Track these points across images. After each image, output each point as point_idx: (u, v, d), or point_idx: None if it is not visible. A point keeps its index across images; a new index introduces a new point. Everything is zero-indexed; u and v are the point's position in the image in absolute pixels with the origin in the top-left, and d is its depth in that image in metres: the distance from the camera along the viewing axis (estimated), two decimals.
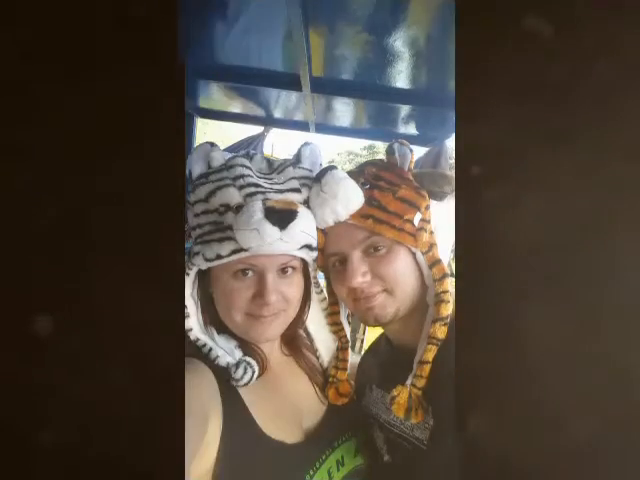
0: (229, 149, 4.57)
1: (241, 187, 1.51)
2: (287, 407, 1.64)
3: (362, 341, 5.78)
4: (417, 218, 1.53)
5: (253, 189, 1.51)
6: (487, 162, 0.97)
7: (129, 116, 0.97)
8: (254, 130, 4.77)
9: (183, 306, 1.52)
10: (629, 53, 0.93)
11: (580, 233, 0.94)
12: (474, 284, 0.98)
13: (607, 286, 0.94)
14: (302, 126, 4.34)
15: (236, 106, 4.17)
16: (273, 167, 1.68)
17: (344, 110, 3.84)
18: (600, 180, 0.93)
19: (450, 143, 3.69)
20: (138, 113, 0.97)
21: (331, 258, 1.62)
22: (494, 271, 0.97)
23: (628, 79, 0.93)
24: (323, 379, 1.84)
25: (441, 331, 1.51)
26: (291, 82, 3.17)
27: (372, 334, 3.01)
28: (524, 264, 0.96)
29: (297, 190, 1.59)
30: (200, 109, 4.27)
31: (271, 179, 1.61)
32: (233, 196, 1.50)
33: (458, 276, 1.02)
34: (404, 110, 3.62)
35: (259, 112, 4.20)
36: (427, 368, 1.50)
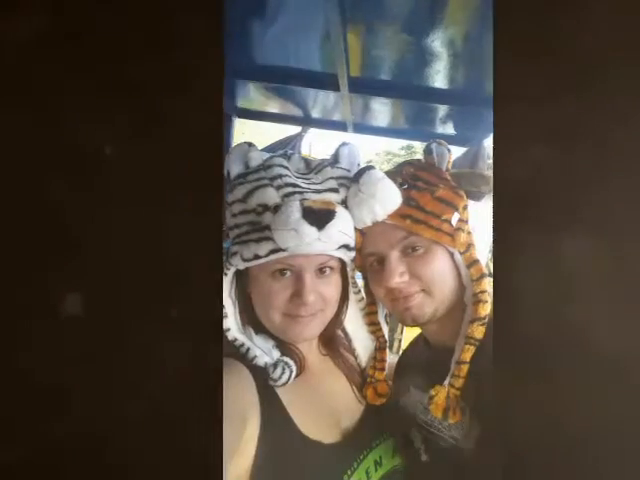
0: (267, 149, 4.58)
1: (279, 187, 1.51)
2: (325, 407, 1.64)
3: (400, 341, 5.75)
4: (455, 218, 1.52)
5: (291, 189, 1.51)
6: (524, 163, 0.96)
7: (168, 116, 0.98)
8: (292, 130, 4.78)
9: (221, 306, 1.53)
10: None
11: (630, 236, 0.93)
12: (511, 284, 0.98)
13: None
14: (340, 126, 4.34)
15: (274, 106, 4.18)
16: (311, 167, 1.67)
17: (382, 110, 3.84)
18: None
19: (488, 143, 3.66)
20: (178, 113, 0.98)
21: (369, 258, 1.61)
22: (531, 271, 0.96)
23: None
24: (361, 379, 1.83)
25: (479, 331, 1.51)
26: (329, 82, 3.18)
27: (410, 334, 3.00)
28: (565, 264, 0.95)
29: (335, 190, 1.58)
30: (238, 109, 4.28)
31: (309, 179, 1.60)
32: (271, 196, 1.50)
33: (495, 276, 1.01)
34: (442, 110, 3.62)
35: (297, 112, 4.20)
36: (465, 368, 1.49)
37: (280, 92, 3.77)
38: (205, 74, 0.98)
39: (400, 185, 1.55)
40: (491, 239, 1.42)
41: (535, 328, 0.97)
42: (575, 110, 0.95)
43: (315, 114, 4.24)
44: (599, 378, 0.94)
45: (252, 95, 3.91)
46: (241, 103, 4.17)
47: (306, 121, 4.50)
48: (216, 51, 0.99)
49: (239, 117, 4.42)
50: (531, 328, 0.97)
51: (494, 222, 1.03)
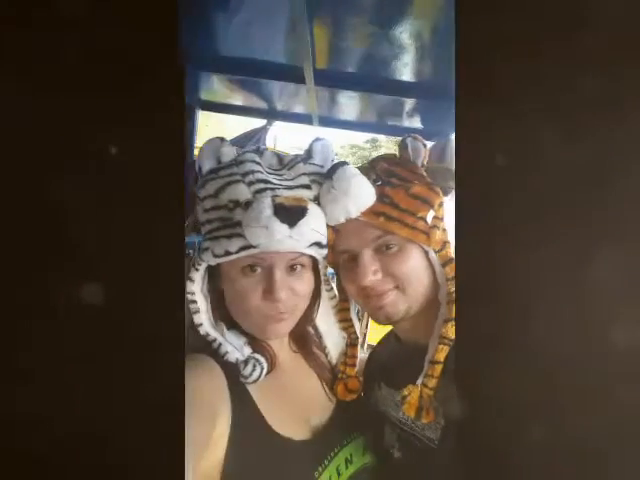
0: (232, 142, 4.57)
1: (250, 183, 1.50)
2: (296, 404, 1.63)
3: (365, 335, 5.78)
4: (430, 216, 1.51)
5: (262, 185, 1.50)
6: (488, 156, 0.95)
7: (128, 108, 0.96)
8: (256, 123, 4.77)
9: (183, 302, 1.51)
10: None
11: (590, 228, 0.93)
12: (475, 284, 0.97)
13: (616, 287, 0.92)
14: (305, 119, 4.33)
15: (238, 98, 4.16)
16: (283, 163, 1.66)
17: (348, 103, 3.83)
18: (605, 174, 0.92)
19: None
20: (138, 106, 0.96)
21: (341, 255, 1.60)
22: (496, 270, 0.96)
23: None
24: (331, 376, 1.83)
25: (453, 331, 1.49)
26: (294, 75, 3.16)
27: (376, 329, 2.99)
28: (528, 261, 0.95)
29: (307, 187, 1.57)
30: (202, 101, 4.26)
31: (281, 175, 1.59)
32: (242, 192, 1.48)
33: (458, 275, 1.01)
34: (409, 103, 3.62)
35: (262, 105, 4.19)
36: (438, 368, 1.49)
37: (244, 84, 3.75)
38: (164, 66, 0.96)
39: (374, 181, 1.54)
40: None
41: (499, 327, 0.96)
42: (542, 103, 0.94)
43: (280, 107, 4.23)
44: (565, 375, 0.93)
45: (216, 87, 3.88)
46: (205, 95, 4.14)
47: (271, 114, 4.50)
48: (173, 41, 0.97)
49: (203, 109, 4.39)
50: (495, 328, 0.96)
51: (456, 219, 1.01)
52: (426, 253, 1.54)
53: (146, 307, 0.95)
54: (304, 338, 1.82)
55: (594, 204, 0.92)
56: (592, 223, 0.92)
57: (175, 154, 0.97)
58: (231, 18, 2.63)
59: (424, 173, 1.60)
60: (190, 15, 2.48)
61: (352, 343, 1.83)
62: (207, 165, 1.58)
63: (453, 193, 1.56)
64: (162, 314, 0.96)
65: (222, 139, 1.60)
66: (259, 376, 1.51)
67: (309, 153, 1.69)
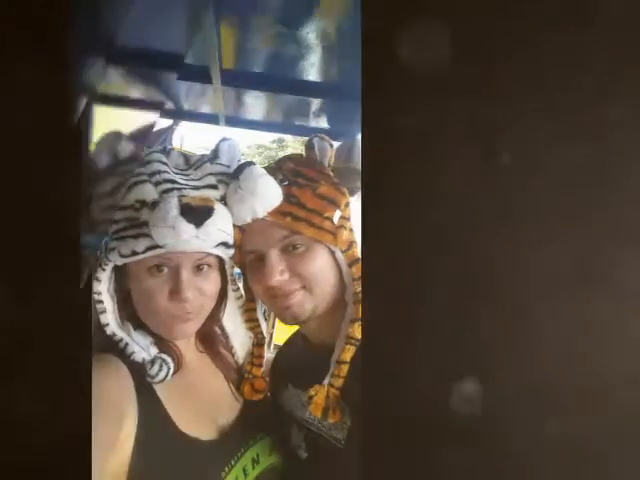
0: (133, 138, 4.51)
1: (157, 183, 1.49)
2: (202, 404, 1.63)
3: (271, 335, 5.77)
4: (337, 216, 1.52)
5: (169, 185, 1.49)
6: (394, 156, 0.96)
7: (15, 102, 0.93)
8: (154, 118, 4.72)
9: (88, 303, 1.49)
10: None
11: (497, 230, 0.94)
12: (380, 283, 0.98)
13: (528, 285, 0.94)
14: (212, 119, 4.31)
15: (134, 92, 4.11)
16: (190, 163, 1.66)
17: (255, 103, 3.83)
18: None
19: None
20: (25, 96, 0.94)
21: (248, 255, 1.59)
22: (403, 269, 0.97)
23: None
24: (238, 376, 1.83)
25: (359, 331, 1.51)
26: (201, 74, 3.14)
27: (282, 329, 2.99)
28: (433, 263, 0.96)
29: (214, 187, 1.57)
30: (95, 94, 4.18)
31: (188, 175, 1.59)
32: (149, 192, 1.48)
33: (364, 275, 1.01)
34: (315, 104, 3.63)
35: (168, 104, 4.15)
36: (345, 368, 1.50)
37: (146, 81, 3.72)
38: (54, 54, 0.94)
39: (281, 181, 1.54)
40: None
41: (406, 326, 0.97)
42: (451, 103, 0.96)
43: (187, 107, 4.20)
44: (483, 368, 0.95)
45: (111, 80, 3.83)
46: (99, 89, 4.07)
47: (177, 113, 4.46)
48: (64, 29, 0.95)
49: (97, 103, 4.31)
50: (402, 326, 0.97)
51: (362, 219, 1.02)
52: (333, 253, 1.55)
53: (51, 308, 0.93)
54: (211, 338, 1.81)
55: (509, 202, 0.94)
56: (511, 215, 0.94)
57: (71, 151, 0.95)
58: (127, 12, 2.61)
59: (331, 173, 1.60)
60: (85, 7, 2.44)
61: (259, 343, 1.83)
62: (104, 161, 1.56)
63: (359, 193, 1.58)
64: (68, 314, 0.94)
65: (118, 133, 1.59)
66: (165, 376, 1.51)
67: (216, 153, 1.69)
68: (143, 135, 4.81)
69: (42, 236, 0.92)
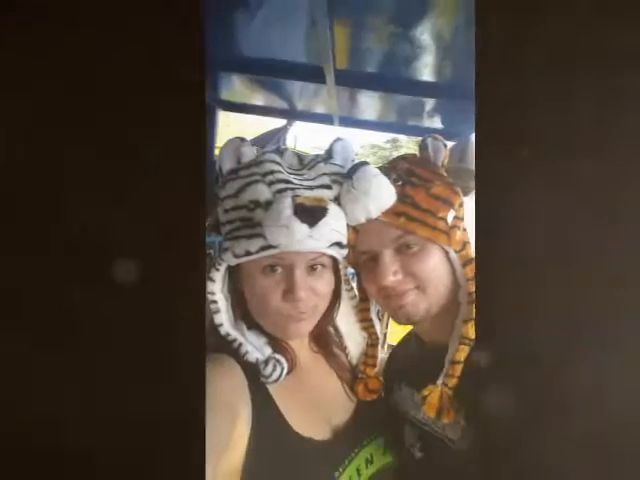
0: (252, 142, 4.59)
1: (271, 183, 1.50)
2: (316, 404, 1.64)
3: (385, 335, 5.76)
4: (450, 216, 1.51)
5: (283, 185, 1.50)
6: (508, 157, 0.96)
7: (151, 109, 0.97)
8: (277, 123, 4.77)
9: (204, 301, 1.53)
10: None
11: (608, 228, 0.93)
12: (495, 284, 0.98)
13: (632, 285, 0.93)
14: (326, 119, 4.34)
15: (258, 99, 4.17)
16: (304, 163, 1.66)
17: (368, 103, 3.83)
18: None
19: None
20: (159, 107, 0.97)
21: (362, 256, 1.60)
22: (514, 270, 0.96)
23: None
24: (351, 376, 1.83)
25: (473, 331, 1.50)
26: (315, 74, 3.17)
27: (396, 329, 2.98)
28: (547, 264, 0.95)
29: (328, 187, 1.57)
30: (222, 102, 4.27)
31: (301, 175, 1.60)
32: (262, 192, 1.49)
33: (478, 275, 1.01)
34: (429, 104, 3.61)
35: (282, 105, 4.19)
36: (459, 368, 1.49)
37: (265, 84, 3.76)
38: (187, 66, 0.98)
39: (394, 181, 1.53)
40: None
41: (520, 327, 0.97)
42: (561, 109, 0.95)
43: (301, 107, 4.23)
44: (597, 374, 0.94)
45: (236, 87, 3.90)
46: (225, 95, 4.15)
47: (291, 114, 4.50)
48: (197, 43, 0.98)
49: (224, 110, 4.40)
50: (516, 327, 0.97)
51: (476, 219, 1.02)
52: (446, 253, 1.54)
53: (167, 307, 0.97)
54: (324, 338, 1.82)
55: (623, 201, 0.93)
56: (620, 219, 0.93)
57: (196, 155, 0.99)
58: (251, 17, 2.65)
59: (444, 173, 1.59)
60: (212, 15, 2.50)
61: (373, 343, 1.83)
62: (227, 165, 1.58)
63: (473, 193, 1.57)
64: (183, 314, 0.97)
65: (242, 139, 1.60)
66: (279, 376, 1.52)
67: (329, 153, 1.69)
68: (264, 139, 4.90)
69: (168, 236, 0.96)
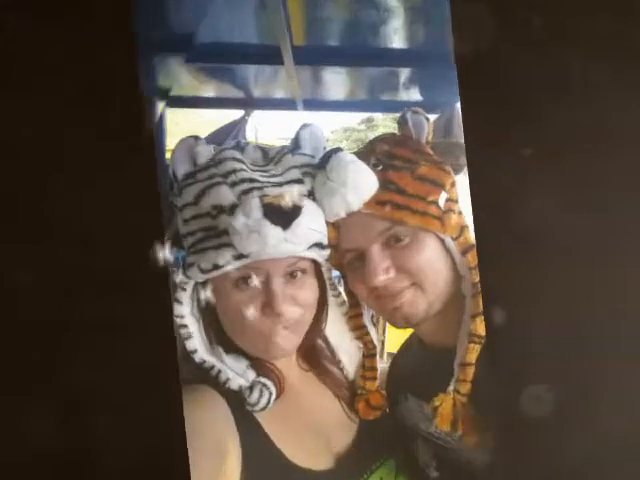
0: (208, 140, 4.55)
1: (234, 184, 1.49)
2: (312, 429, 1.63)
3: (382, 343, 5.76)
4: (442, 198, 1.49)
5: (247, 185, 1.49)
6: (500, 125, 0.95)
7: (90, 117, 0.96)
8: (234, 115, 4.75)
9: (172, 329, 1.51)
10: None
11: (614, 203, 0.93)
12: (501, 271, 0.97)
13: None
14: (288, 104, 4.31)
15: (209, 90, 4.14)
16: (269, 157, 1.66)
17: (334, 81, 3.81)
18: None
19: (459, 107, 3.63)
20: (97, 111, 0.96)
21: (347, 255, 1.58)
22: (525, 254, 0.95)
23: None
24: (350, 393, 1.81)
25: (482, 327, 1.47)
26: (270, 55, 3.15)
27: (394, 334, 2.98)
28: (563, 238, 0.94)
29: (299, 181, 1.57)
30: (169, 97, 4.24)
31: (268, 171, 1.59)
32: (225, 195, 1.48)
33: (481, 263, 1.00)
34: (403, 74, 3.60)
35: (236, 94, 4.17)
36: (471, 371, 1.48)
37: (214, 73, 3.74)
38: (119, 56, 0.96)
39: (374, 166, 1.52)
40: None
41: (535, 318, 0.96)
42: (556, 59, 0.94)
43: (258, 93, 4.22)
44: (620, 377, 0.93)
45: (182, 80, 3.88)
46: (171, 91, 4.13)
47: (248, 103, 4.48)
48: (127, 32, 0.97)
49: (170, 106, 4.38)
50: (531, 319, 0.96)
51: (472, 199, 1.01)
52: (442, 241, 1.52)
53: (131, 339, 0.95)
54: (314, 353, 1.80)
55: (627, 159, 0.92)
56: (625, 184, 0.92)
57: (145, 162, 0.97)
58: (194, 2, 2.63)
59: (430, 151, 1.58)
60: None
61: (369, 353, 1.82)
62: (182, 169, 1.56)
63: (465, 170, 1.56)
64: (150, 345, 0.96)
65: (196, 137, 1.59)
66: (268, 402, 1.51)
67: (297, 142, 1.68)
68: (220, 135, 4.87)
69: (121, 256, 0.95)
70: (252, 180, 1.51)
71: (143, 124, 0.97)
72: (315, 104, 4.32)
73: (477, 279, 1.49)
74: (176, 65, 3.47)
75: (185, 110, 4.72)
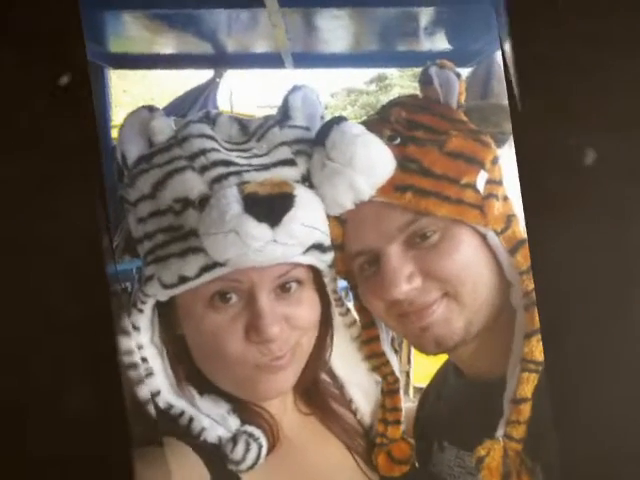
0: (168, 111, 4.54)
1: (203, 168, 1.47)
2: None
3: (408, 375, 5.73)
4: (481, 180, 1.48)
5: (222, 169, 1.47)
6: (555, 76, 0.96)
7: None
8: (200, 77, 4.75)
9: (118, 367, 1.49)
10: None
11: None
12: (562, 274, 0.98)
13: None
14: (273, 60, 4.31)
15: (166, 44, 4.12)
16: (249, 131, 1.63)
17: (333, 28, 3.82)
18: None
19: (500, 57, 3.58)
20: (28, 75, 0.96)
21: (357, 259, 1.57)
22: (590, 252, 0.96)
23: None
24: (366, 443, 1.81)
25: (540, 350, 1.46)
26: None
27: (422, 362, 2.97)
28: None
29: (290, 162, 1.55)
30: (111, 56, 4.22)
31: (248, 150, 1.57)
32: (193, 184, 1.46)
33: (536, 263, 1.01)
34: (425, 15, 3.60)
35: (203, 48, 4.16)
36: (526, 409, 1.46)
37: (174, 21, 3.73)
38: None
39: (390, 140, 1.51)
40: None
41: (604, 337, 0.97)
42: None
43: (232, 47, 4.20)
44: None
45: (131, 32, 3.86)
46: (115, 47, 4.10)
47: (220, 60, 4.46)
48: None
49: (114, 67, 4.36)
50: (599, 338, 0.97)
51: (521, 180, 1.02)
52: (483, 237, 1.50)
53: (66, 381, 0.96)
54: (317, 391, 1.80)
55: None
56: None
57: (82, 142, 0.97)
58: None
59: (463, 117, 1.57)
60: None
61: (390, 389, 1.80)
62: (134, 151, 1.55)
63: (511, 141, 1.55)
64: (90, 390, 0.96)
65: (151, 108, 1.57)
66: (257, 458, 1.48)
67: (285, 111, 1.66)
68: (183, 104, 4.85)
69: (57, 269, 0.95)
70: (227, 163, 1.49)
71: (78, 91, 0.97)
72: (308, 59, 4.33)
73: (531, 286, 1.47)
74: (123, 12, 3.47)
75: (136, 72, 4.72)
